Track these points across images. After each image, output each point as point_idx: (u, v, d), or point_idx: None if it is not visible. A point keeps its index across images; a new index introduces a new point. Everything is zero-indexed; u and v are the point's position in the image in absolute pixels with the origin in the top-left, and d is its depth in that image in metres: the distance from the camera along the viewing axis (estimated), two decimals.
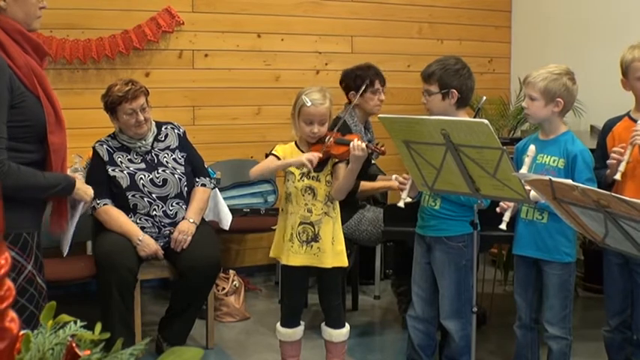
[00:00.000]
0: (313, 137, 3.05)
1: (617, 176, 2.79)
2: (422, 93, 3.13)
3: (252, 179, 3.91)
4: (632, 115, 3.06)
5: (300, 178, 3.07)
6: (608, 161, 2.90)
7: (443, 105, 3.05)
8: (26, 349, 0.91)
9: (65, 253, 2.88)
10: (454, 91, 3.03)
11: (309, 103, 3.01)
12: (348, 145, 3.00)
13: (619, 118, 3.10)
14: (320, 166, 3.05)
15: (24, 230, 2.44)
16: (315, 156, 2.97)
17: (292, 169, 3.07)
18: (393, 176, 4.21)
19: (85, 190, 2.73)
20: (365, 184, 4.03)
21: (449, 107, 3.05)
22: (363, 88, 4.02)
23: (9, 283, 0.84)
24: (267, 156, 3.21)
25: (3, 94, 2.32)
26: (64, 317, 1.00)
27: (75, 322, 1.01)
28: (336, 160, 3.08)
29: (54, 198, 2.65)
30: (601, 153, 3.11)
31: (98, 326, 1.02)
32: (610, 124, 3.14)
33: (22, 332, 0.91)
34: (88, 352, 0.95)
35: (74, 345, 0.92)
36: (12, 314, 0.84)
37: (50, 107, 2.47)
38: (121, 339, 1.02)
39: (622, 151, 2.84)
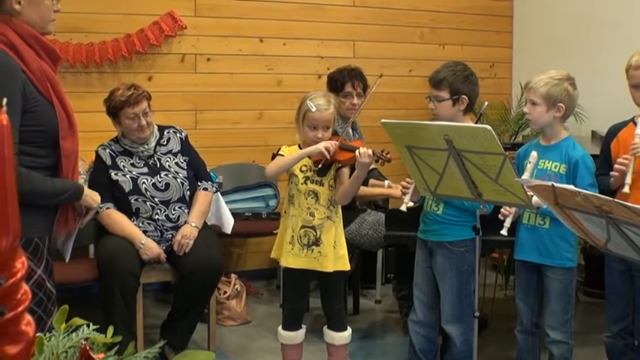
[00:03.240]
0: (317, 142, 3.06)
1: (626, 189, 2.78)
2: (428, 99, 3.12)
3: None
4: (637, 120, 3.05)
5: (304, 181, 3.08)
6: (612, 173, 2.91)
7: (452, 111, 3.05)
8: (40, 352, 0.92)
9: (67, 259, 2.89)
10: (465, 97, 3.04)
11: (313, 109, 3.02)
12: (353, 151, 3.00)
13: (624, 124, 3.09)
14: (323, 170, 3.06)
15: (35, 235, 2.44)
16: (332, 144, 2.97)
17: (296, 171, 3.08)
18: (386, 182, 4.24)
19: (92, 196, 2.73)
20: (363, 189, 4.02)
21: (457, 113, 3.05)
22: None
23: (25, 287, 0.85)
24: (273, 157, 3.21)
25: (16, 98, 2.32)
26: (77, 321, 1.01)
27: (87, 326, 1.02)
28: (340, 165, 3.09)
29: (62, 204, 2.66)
30: (604, 158, 3.11)
31: (110, 329, 1.03)
32: (615, 130, 3.13)
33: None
34: (102, 355, 0.96)
35: (88, 348, 0.93)
36: (28, 318, 0.85)
37: (63, 113, 2.48)
38: (133, 342, 1.03)
39: (626, 162, 2.82)
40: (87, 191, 2.69)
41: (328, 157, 2.97)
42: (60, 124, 2.46)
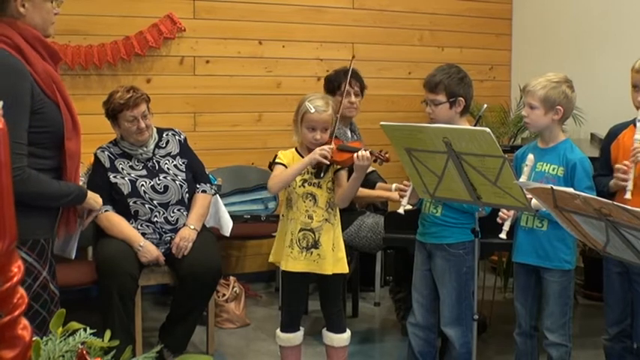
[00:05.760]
0: (315, 144, 3.06)
1: (628, 195, 2.77)
2: (424, 103, 3.11)
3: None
4: (638, 122, 3.03)
5: (301, 184, 3.08)
6: (612, 182, 2.90)
7: (450, 114, 3.04)
8: (36, 356, 0.92)
9: (73, 257, 2.96)
10: (461, 99, 3.04)
11: (312, 110, 3.02)
12: (351, 152, 3.01)
13: (625, 125, 3.05)
14: (321, 172, 3.06)
15: (41, 237, 2.47)
16: (327, 149, 2.97)
17: None
18: (393, 186, 4.23)
19: (94, 199, 2.79)
20: (363, 191, 3.99)
21: (455, 115, 3.05)
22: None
23: (22, 291, 0.85)
24: (270, 165, 3.18)
25: (25, 100, 2.36)
26: (74, 324, 1.01)
27: (84, 330, 1.01)
28: (338, 167, 3.09)
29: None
30: (604, 160, 3.10)
31: (108, 333, 1.03)
32: (616, 131, 3.10)
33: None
34: (99, 359, 0.96)
35: (85, 352, 0.93)
36: (24, 322, 0.84)
37: (68, 113, 2.52)
38: (131, 346, 1.03)
39: (625, 169, 2.81)
40: (90, 194, 2.74)
41: (327, 162, 2.98)
42: (65, 124, 2.50)
